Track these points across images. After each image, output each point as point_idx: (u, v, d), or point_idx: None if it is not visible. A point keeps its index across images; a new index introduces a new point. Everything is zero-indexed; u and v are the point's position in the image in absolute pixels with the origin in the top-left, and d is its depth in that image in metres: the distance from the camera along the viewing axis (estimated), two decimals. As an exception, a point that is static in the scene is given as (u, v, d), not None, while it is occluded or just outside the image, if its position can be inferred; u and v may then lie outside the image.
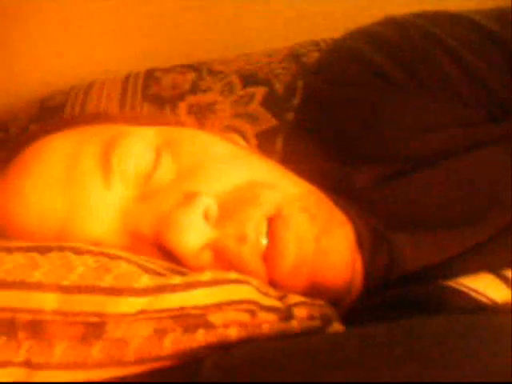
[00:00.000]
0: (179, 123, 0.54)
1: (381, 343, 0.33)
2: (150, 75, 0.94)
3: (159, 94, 0.91)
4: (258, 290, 0.39)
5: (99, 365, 0.35)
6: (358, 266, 0.48)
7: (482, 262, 0.46)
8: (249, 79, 0.91)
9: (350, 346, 0.33)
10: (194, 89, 0.91)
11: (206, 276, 0.38)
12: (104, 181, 0.44)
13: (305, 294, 0.42)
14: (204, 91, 0.90)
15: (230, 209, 0.43)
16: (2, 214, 0.46)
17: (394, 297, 0.47)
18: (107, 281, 0.36)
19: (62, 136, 0.49)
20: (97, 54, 1.12)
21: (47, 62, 1.11)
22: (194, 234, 0.41)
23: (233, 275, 0.38)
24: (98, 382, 0.36)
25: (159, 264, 0.40)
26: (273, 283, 0.43)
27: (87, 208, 0.43)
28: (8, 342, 0.35)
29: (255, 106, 0.87)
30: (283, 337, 0.37)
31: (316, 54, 0.92)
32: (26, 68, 1.12)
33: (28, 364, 0.35)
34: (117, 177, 0.44)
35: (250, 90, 0.90)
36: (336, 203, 0.49)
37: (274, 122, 0.86)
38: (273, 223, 0.44)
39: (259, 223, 0.43)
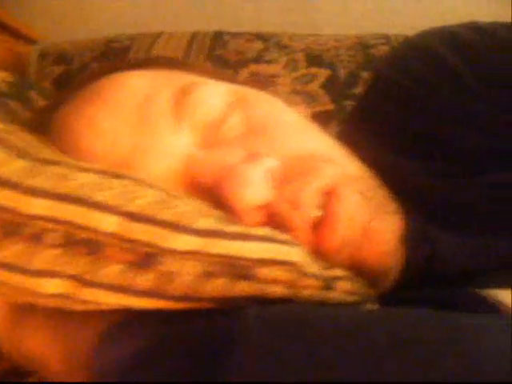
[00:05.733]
0: (252, 85, 0.54)
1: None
2: (218, 37, 0.95)
3: (224, 57, 0.91)
4: (306, 255, 0.39)
5: (144, 293, 0.36)
6: (399, 257, 0.49)
7: None
8: (314, 59, 0.91)
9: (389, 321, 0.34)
10: (259, 58, 0.91)
11: (261, 231, 0.38)
12: (174, 125, 0.45)
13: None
14: (268, 62, 0.91)
15: (289, 175, 0.44)
16: (70, 137, 0.47)
17: (424, 296, 0.47)
18: (168, 215, 0.37)
19: (138, 74, 0.49)
20: (167, 6, 1.13)
21: (118, 5, 1.13)
22: (254, 190, 0.42)
23: (285, 236, 0.39)
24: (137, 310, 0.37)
25: (215, 212, 0.41)
26: (315, 254, 0.43)
27: (154, 147, 0.44)
28: (63, 254, 0.37)
29: (315, 87, 0.88)
30: (321, 305, 0.38)
31: (385, 48, 0.92)
32: (97, 7, 1.13)
33: (78, 278, 0.37)
34: (187, 123, 0.45)
35: (314, 70, 0.90)
36: (390, 192, 0.49)
37: (330, 106, 0.86)
38: (328, 197, 0.44)
39: (315, 194, 0.44)
